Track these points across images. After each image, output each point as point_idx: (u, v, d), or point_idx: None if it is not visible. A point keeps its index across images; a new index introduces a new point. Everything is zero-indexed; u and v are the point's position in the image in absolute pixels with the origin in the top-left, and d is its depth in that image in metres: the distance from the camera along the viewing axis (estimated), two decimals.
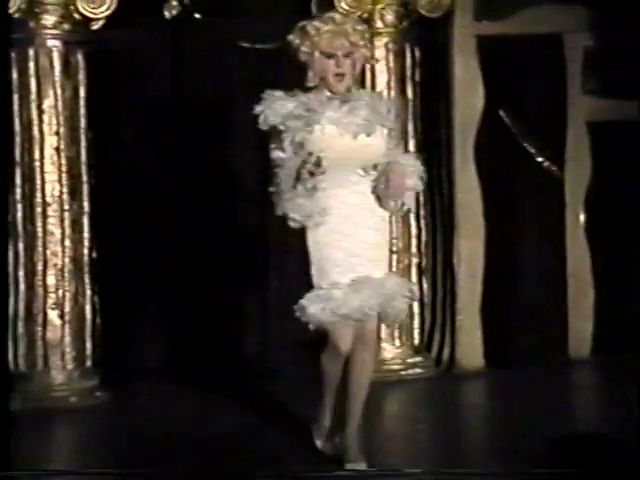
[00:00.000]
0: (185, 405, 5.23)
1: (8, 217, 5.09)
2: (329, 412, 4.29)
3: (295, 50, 4.13)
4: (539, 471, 4.15)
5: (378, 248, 4.16)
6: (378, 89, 5.63)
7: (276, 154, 4.08)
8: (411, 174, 4.17)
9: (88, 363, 5.31)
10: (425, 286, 5.86)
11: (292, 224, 4.04)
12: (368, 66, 5.61)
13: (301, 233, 4.12)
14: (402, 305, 4.18)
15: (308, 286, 4.14)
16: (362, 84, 5.51)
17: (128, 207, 5.62)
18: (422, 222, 5.86)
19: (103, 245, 5.41)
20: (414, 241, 5.82)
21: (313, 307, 4.02)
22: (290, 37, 4.16)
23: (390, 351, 5.69)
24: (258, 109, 4.10)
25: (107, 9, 5.26)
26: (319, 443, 4.35)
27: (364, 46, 4.15)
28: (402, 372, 5.69)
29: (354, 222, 4.09)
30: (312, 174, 3.93)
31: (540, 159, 6.03)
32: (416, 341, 5.79)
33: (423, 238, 5.87)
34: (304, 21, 4.16)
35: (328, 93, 4.11)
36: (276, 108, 4.06)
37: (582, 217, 6.00)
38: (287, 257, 5.62)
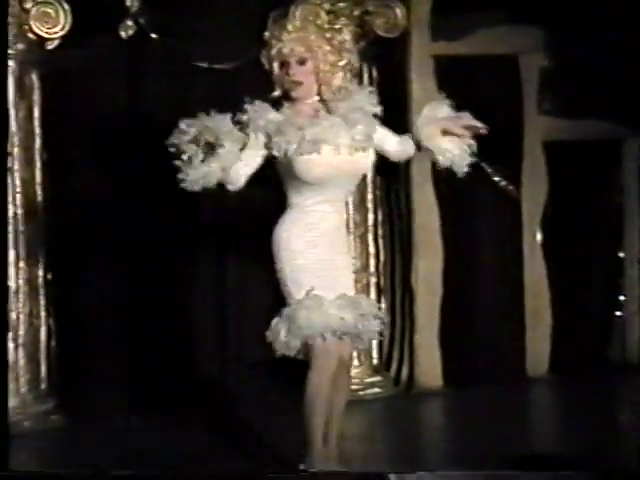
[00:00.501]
0: (142, 428, 5.18)
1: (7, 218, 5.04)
2: (321, 439, 4.09)
3: (263, 59, 4.07)
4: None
5: (349, 267, 4.14)
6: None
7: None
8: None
9: (43, 386, 5.25)
10: (384, 306, 5.86)
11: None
12: None
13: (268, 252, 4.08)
14: (374, 327, 4.13)
15: (270, 309, 4.12)
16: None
17: (83, 228, 5.57)
18: (380, 242, 5.88)
19: (58, 267, 5.37)
20: (372, 260, 5.84)
21: (303, 318, 3.91)
22: (263, 51, 4.11)
23: None
24: (244, 118, 4.00)
25: (62, 29, 5.23)
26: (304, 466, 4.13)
27: (330, 52, 4.00)
28: (361, 392, 5.68)
29: (330, 240, 4.03)
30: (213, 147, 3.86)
31: (497, 179, 6.07)
32: (375, 360, 5.79)
33: (381, 257, 5.89)
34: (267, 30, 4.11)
35: (300, 107, 3.99)
36: (262, 113, 3.96)
37: (539, 236, 6.04)
38: (246, 280, 5.61)
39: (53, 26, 5.22)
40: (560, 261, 6.09)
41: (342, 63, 4.03)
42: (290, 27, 4.00)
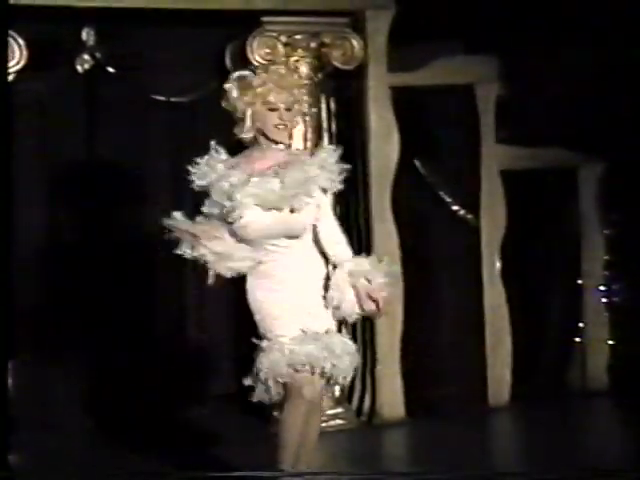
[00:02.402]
0: (105, 463, 5.12)
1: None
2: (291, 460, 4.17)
3: (233, 100, 4.10)
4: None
5: (318, 305, 4.14)
6: (295, 141, 5.66)
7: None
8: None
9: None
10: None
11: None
12: None
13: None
14: (347, 366, 4.15)
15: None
16: None
17: (41, 265, 5.52)
18: None
19: (18, 297, 5.29)
20: None
21: (269, 360, 4.02)
22: (227, 86, 4.13)
23: None
24: (196, 170, 4.11)
25: (17, 63, 5.19)
26: None
27: (306, 102, 4.22)
28: (322, 424, 5.63)
29: (289, 282, 4.08)
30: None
31: (456, 207, 6.10)
32: (337, 392, 5.77)
33: None
34: (243, 72, 4.17)
35: (260, 154, 4.10)
36: (208, 172, 4.08)
37: (498, 264, 6.06)
38: (205, 311, 5.59)
39: (8, 60, 5.18)
40: (519, 288, 6.12)
41: (307, 110, 4.28)
42: (281, 74, 4.14)
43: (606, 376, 6.22)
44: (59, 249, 5.55)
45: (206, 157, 4.11)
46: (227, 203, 4.03)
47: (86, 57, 5.58)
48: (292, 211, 4.07)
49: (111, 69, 5.61)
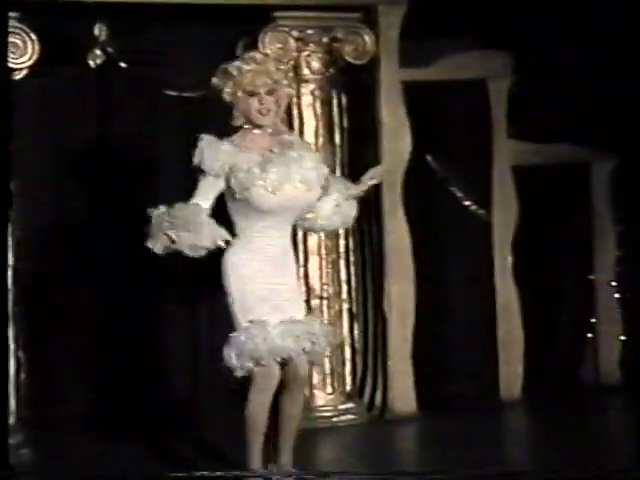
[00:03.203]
0: (115, 461, 5.12)
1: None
2: (260, 455, 4.33)
3: (219, 92, 4.29)
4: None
5: (298, 291, 4.39)
6: (306, 136, 5.68)
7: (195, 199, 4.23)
8: None
9: (12, 420, 5.16)
10: (356, 332, 5.85)
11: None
12: (296, 113, 5.68)
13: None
14: (323, 348, 4.36)
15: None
16: (290, 129, 5.59)
17: (52, 259, 5.54)
18: (352, 268, 5.87)
19: (27, 298, 5.32)
20: (344, 287, 5.82)
21: (246, 346, 4.15)
22: (214, 80, 4.33)
23: (322, 398, 5.67)
24: (199, 157, 4.24)
25: (29, 59, 5.21)
26: None
27: (287, 85, 4.36)
28: (334, 419, 5.66)
29: (277, 264, 4.26)
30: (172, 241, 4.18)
31: (467, 203, 6.09)
32: (348, 387, 5.78)
33: (353, 284, 5.87)
34: (226, 64, 4.32)
35: (257, 135, 4.27)
36: (218, 157, 4.22)
37: (510, 259, 6.05)
38: (216, 302, 5.58)
39: (20, 56, 5.20)
40: (531, 284, 6.11)
41: (291, 94, 4.45)
42: (256, 60, 4.29)
43: (618, 371, 6.20)
44: (72, 245, 5.57)
45: (209, 139, 4.25)
46: (252, 180, 4.17)
47: (98, 52, 5.59)
48: (309, 187, 4.27)
49: (123, 64, 5.63)
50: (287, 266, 4.32)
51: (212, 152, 4.22)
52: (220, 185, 4.25)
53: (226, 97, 4.28)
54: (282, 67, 4.43)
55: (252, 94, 4.24)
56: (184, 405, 5.67)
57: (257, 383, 4.22)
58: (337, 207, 4.44)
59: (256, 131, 4.30)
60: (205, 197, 4.25)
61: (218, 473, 4.45)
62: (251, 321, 4.18)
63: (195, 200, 4.24)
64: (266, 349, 4.16)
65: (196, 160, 4.24)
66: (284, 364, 4.26)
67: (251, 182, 4.19)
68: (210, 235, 4.21)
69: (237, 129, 4.32)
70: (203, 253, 4.22)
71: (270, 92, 4.25)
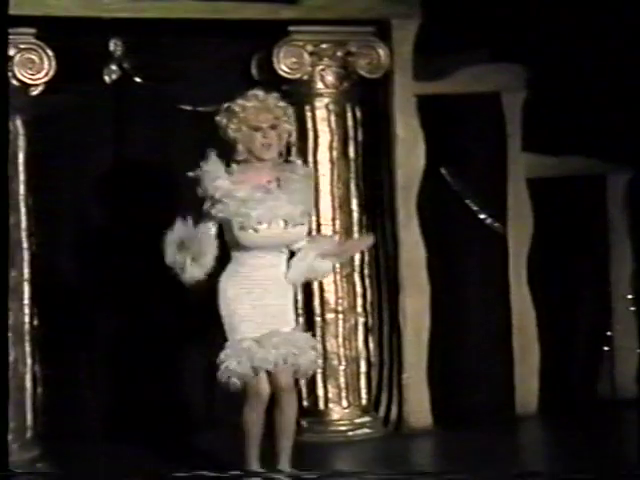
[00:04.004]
0: (131, 475, 5.13)
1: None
2: (257, 460, 4.61)
3: (224, 129, 4.56)
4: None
5: (286, 312, 4.60)
6: (320, 150, 5.70)
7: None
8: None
9: (28, 434, 5.19)
10: (371, 345, 5.84)
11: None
12: (310, 126, 5.69)
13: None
14: (312, 358, 4.61)
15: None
16: (303, 145, 5.62)
17: (69, 274, 5.56)
18: (367, 281, 5.86)
19: (44, 313, 5.34)
20: (360, 300, 5.81)
21: (230, 362, 4.45)
22: (217, 118, 4.59)
23: (337, 412, 5.67)
24: (204, 183, 4.54)
25: (45, 75, 5.23)
26: None
27: (286, 121, 4.58)
28: (350, 433, 5.65)
29: (268, 289, 4.54)
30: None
31: (482, 216, 6.08)
32: (364, 401, 5.76)
33: (368, 297, 5.86)
34: (229, 102, 4.57)
35: (256, 170, 4.52)
36: (218, 185, 4.49)
37: (525, 273, 6.03)
38: None
39: (37, 72, 5.21)
40: (547, 297, 6.09)
41: (290, 130, 4.62)
42: (258, 97, 4.55)
43: (635, 385, 6.17)
44: (89, 260, 5.60)
45: (209, 168, 4.53)
46: (237, 218, 4.46)
47: (114, 67, 5.62)
48: (294, 225, 4.54)
49: (138, 79, 5.66)
50: (279, 291, 4.57)
51: (209, 182, 4.51)
52: (220, 213, 4.52)
53: (230, 133, 4.52)
54: (281, 104, 4.59)
55: (256, 129, 4.49)
56: (200, 421, 5.68)
57: (248, 399, 4.50)
58: (310, 266, 4.63)
59: (258, 164, 4.55)
60: (210, 220, 4.53)
61: (216, 474, 4.62)
62: (234, 340, 4.47)
63: (205, 224, 4.52)
64: (248, 366, 4.44)
65: (199, 186, 4.54)
66: (270, 375, 4.51)
67: (235, 220, 4.47)
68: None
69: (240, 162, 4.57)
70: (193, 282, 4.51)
71: (273, 127, 4.51)
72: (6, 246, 4.88)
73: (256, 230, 4.48)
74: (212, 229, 4.55)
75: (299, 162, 4.73)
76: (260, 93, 4.55)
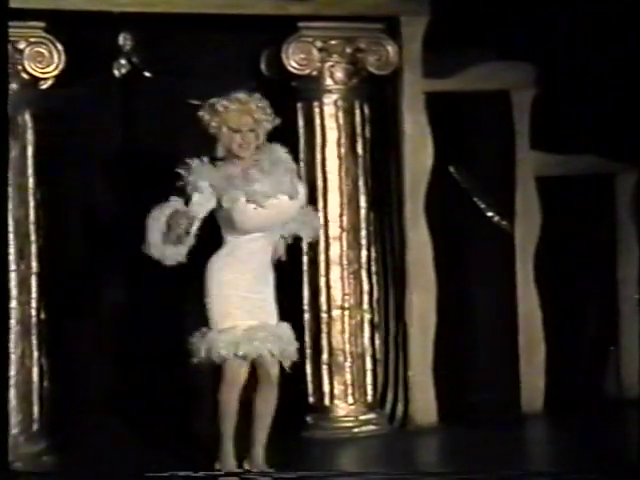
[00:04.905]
0: (139, 465, 5.14)
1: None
2: (232, 446, 4.76)
3: (205, 124, 4.74)
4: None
5: (272, 300, 4.78)
6: (328, 146, 5.70)
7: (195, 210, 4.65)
8: None
9: (35, 427, 5.20)
10: (377, 342, 5.85)
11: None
12: (318, 123, 5.69)
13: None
14: (295, 349, 4.81)
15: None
16: (311, 142, 5.63)
17: (77, 268, 5.57)
18: (374, 278, 5.86)
19: (51, 306, 5.35)
20: (366, 297, 5.81)
21: (219, 345, 4.62)
22: (200, 113, 4.77)
23: (343, 408, 5.68)
24: (189, 178, 4.70)
25: (55, 68, 5.24)
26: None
27: (266, 120, 4.77)
28: (355, 429, 5.65)
29: (257, 276, 4.71)
30: (187, 233, 4.56)
31: (490, 214, 6.08)
32: (369, 398, 5.76)
33: (375, 294, 5.86)
34: (214, 99, 4.74)
35: (239, 163, 4.72)
36: (204, 175, 4.67)
37: (532, 271, 6.03)
38: None
39: (46, 66, 5.23)
40: (554, 295, 6.08)
41: (269, 127, 4.79)
42: (240, 100, 4.73)
43: None
44: (97, 253, 5.61)
45: (194, 165, 4.71)
46: (227, 201, 4.64)
47: (123, 62, 5.63)
48: (286, 199, 4.73)
49: (148, 74, 5.66)
50: (266, 278, 4.76)
51: (198, 174, 4.68)
52: (210, 204, 4.68)
53: (211, 130, 4.73)
54: (261, 105, 4.75)
55: (236, 131, 4.71)
56: (208, 409, 5.67)
57: (225, 378, 4.67)
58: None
59: (236, 161, 4.76)
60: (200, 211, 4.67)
61: (201, 473, 4.71)
62: (224, 323, 4.64)
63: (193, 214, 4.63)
64: (232, 350, 4.62)
65: (185, 184, 4.69)
66: (255, 365, 4.69)
67: (235, 201, 4.64)
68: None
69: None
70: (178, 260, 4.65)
71: (252, 129, 4.72)
72: (6, 245, 4.91)
73: (257, 208, 4.65)
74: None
75: (274, 145, 4.87)
76: (243, 96, 4.74)
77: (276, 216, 4.72)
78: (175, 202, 4.63)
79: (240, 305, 4.67)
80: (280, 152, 4.83)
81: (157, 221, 4.58)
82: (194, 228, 4.60)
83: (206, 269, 4.72)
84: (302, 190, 4.87)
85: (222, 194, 4.66)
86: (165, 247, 4.57)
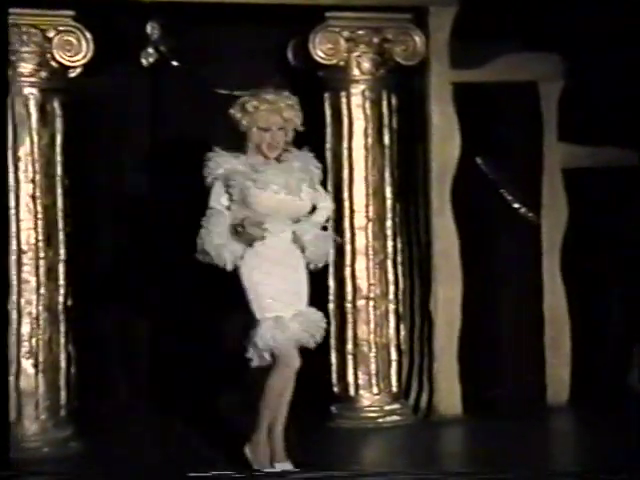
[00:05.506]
0: (162, 454, 5.17)
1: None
2: (266, 429, 4.80)
3: (236, 122, 4.82)
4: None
5: (304, 284, 4.84)
6: (355, 136, 5.69)
7: (214, 203, 4.74)
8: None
9: (62, 413, 5.25)
10: (402, 333, 5.85)
11: (209, 261, 4.71)
12: (345, 113, 5.69)
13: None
14: (320, 333, 4.87)
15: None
16: (338, 132, 5.63)
17: (104, 254, 5.60)
18: (399, 269, 5.86)
19: (79, 293, 5.38)
20: (391, 287, 5.80)
21: (268, 335, 4.68)
22: (231, 111, 4.83)
23: (368, 398, 5.68)
24: (206, 166, 4.77)
25: (84, 57, 5.27)
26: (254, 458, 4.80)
27: (295, 116, 4.83)
28: (380, 419, 5.66)
29: (282, 265, 4.76)
30: (252, 238, 4.67)
31: (517, 205, 6.06)
32: (394, 388, 5.76)
33: (400, 285, 5.86)
34: (245, 98, 4.81)
35: (262, 158, 4.81)
36: (222, 164, 4.76)
37: (558, 263, 6.01)
38: None
39: (75, 54, 5.26)
40: (580, 288, 6.06)
41: (298, 124, 4.84)
42: (269, 100, 4.79)
43: None
44: (124, 241, 5.64)
45: (214, 154, 4.79)
46: (248, 183, 4.71)
47: (150, 51, 5.66)
48: (298, 196, 4.79)
49: (175, 63, 5.68)
50: (292, 263, 4.81)
51: (216, 162, 4.76)
52: (226, 189, 4.75)
53: (242, 129, 4.80)
54: (290, 102, 4.80)
55: (265, 130, 4.78)
56: (236, 396, 5.68)
57: (278, 369, 4.69)
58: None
59: (264, 159, 4.82)
60: (218, 202, 4.75)
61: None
62: (266, 317, 4.70)
63: (212, 206, 4.74)
64: (285, 339, 4.67)
65: (205, 172, 4.77)
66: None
67: (249, 181, 4.71)
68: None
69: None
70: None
71: (281, 128, 4.79)
72: (6, 245, 4.94)
73: (264, 190, 4.72)
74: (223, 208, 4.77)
75: (304, 151, 4.91)
76: (272, 96, 4.80)
77: (280, 205, 4.76)
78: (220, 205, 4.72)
79: (277, 297, 4.72)
80: (306, 159, 4.87)
81: (220, 226, 4.68)
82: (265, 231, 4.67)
83: (239, 271, 4.75)
84: (327, 204, 4.95)
85: (234, 180, 4.74)
86: (225, 250, 4.67)
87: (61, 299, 5.29)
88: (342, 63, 5.65)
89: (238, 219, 4.66)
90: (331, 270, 5.71)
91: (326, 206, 4.96)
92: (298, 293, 4.80)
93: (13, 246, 5.20)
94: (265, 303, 4.71)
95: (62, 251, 5.30)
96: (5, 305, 4.93)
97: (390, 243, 5.81)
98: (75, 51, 5.25)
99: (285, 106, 4.78)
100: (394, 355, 5.77)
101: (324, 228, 4.97)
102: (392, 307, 5.81)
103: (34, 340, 5.19)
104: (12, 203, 5.20)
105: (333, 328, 5.67)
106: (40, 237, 5.23)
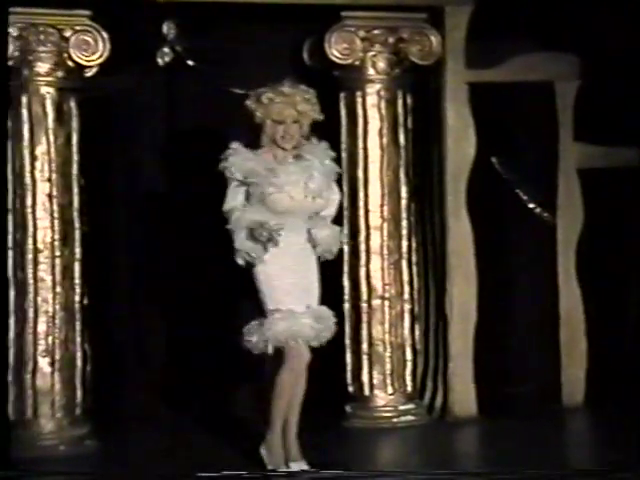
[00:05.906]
0: (177, 452, 5.18)
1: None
2: (280, 424, 4.80)
3: (251, 114, 4.84)
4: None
5: (316, 282, 4.88)
6: (370, 136, 5.70)
7: (230, 204, 4.78)
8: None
9: (78, 411, 5.27)
10: (417, 333, 5.85)
11: (240, 260, 4.77)
12: (360, 113, 5.70)
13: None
14: (330, 331, 4.91)
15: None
16: (353, 132, 5.63)
17: (119, 253, 5.62)
18: (414, 269, 5.86)
19: (94, 292, 5.40)
20: (406, 288, 5.81)
21: (280, 326, 4.71)
22: (247, 102, 4.86)
23: (382, 398, 5.68)
24: (225, 163, 4.79)
25: (100, 56, 5.29)
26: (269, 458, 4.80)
27: (311, 110, 4.85)
28: (394, 419, 5.66)
29: (298, 261, 4.81)
30: (269, 239, 4.70)
31: (532, 206, 6.05)
32: (409, 388, 5.76)
33: (415, 285, 5.86)
34: (261, 90, 4.83)
35: (280, 152, 4.84)
36: (240, 164, 4.79)
37: (574, 263, 6.00)
38: None
39: (92, 54, 5.28)
40: (595, 288, 6.05)
41: (314, 117, 4.86)
42: (284, 93, 4.81)
43: None
44: (140, 240, 5.66)
45: (232, 150, 4.81)
46: (265, 186, 4.73)
47: (166, 50, 5.68)
48: (314, 196, 4.83)
49: (191, 62, 5.70)
50: (306, 261, 4.85)
51: (236, 159, 4.77)
52: (244, 189, 4.79)
53: (256, 120, 4.82)
54: (307, 96, 4.82)
55: (280, 123, 4.81)
56: (252, 396, 5.69)
57: (290, 363, 4.72)
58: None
59: (279, 151, 4.85)
60: (235, 199, 4.78)
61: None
62: (279, 309, 4.74)
63: (229, 204, 4.77)
64: (296, 332, 4.71)
65: (222, 166, 4.78)
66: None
67: (266, 183, 4.74)
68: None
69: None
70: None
71: (295, 121, 4.81)
72: (5, 245, 4.96)
73: (280, 191, 4.74)
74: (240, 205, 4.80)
75: (321, 145, 4.92)
76: (287, 89, 4.81)
77: (298, 206, 4.79)
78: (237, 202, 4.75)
79: (289, 292, 4.76)
80: (323, 153, 4.89)
81: (241, 228, 4.73)
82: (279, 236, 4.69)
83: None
84: (336, 196, 4.97)
85: (252, 180, 4.77)
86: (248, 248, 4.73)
87: (77, 298, 5.31)
88: (358, 63, 5.66)
89: (256, 222, 4.68)
90: (346, 270, 5.72)
91: (335, 198, 4.98)
92: (310, 290, 4.84)
93: (29, 245, 5.23)
94: (279, 296, 4.74)
95: (78, 250, 5.32)
96: (5, 307, 4.94)
97: (405, 243, 5.81)
98: (92, 51, 5.27)
99: (300, 99, 4.80)
100: (409, 355, 5.77)
101: (334, 220, 4.98)
102: (407, 307, 5.81)
103: (50, 338, 5.22)
104: (29, 202, 5.23)
105: (348, 328, 5.68)
106: (56, 236, 5.26)
